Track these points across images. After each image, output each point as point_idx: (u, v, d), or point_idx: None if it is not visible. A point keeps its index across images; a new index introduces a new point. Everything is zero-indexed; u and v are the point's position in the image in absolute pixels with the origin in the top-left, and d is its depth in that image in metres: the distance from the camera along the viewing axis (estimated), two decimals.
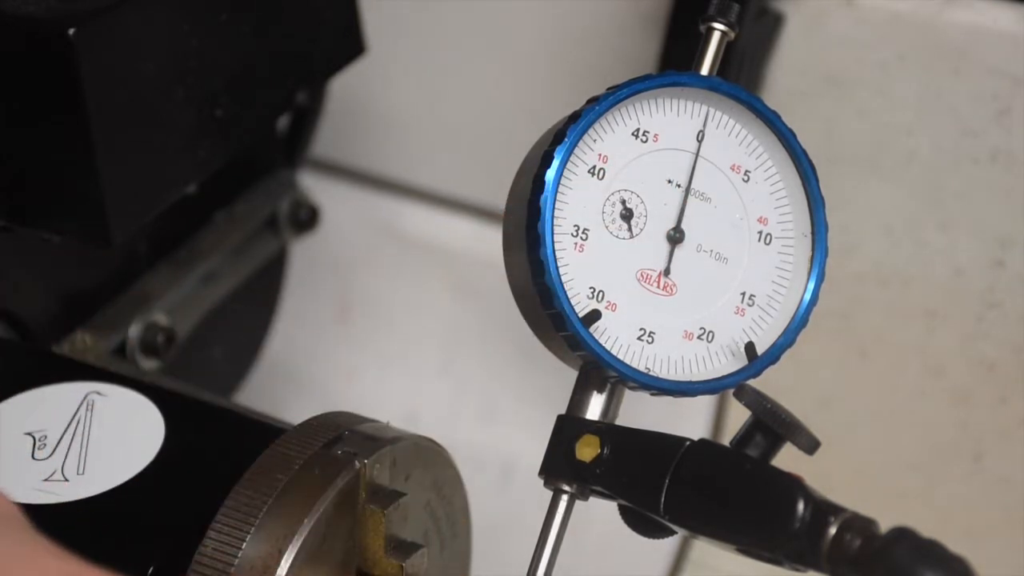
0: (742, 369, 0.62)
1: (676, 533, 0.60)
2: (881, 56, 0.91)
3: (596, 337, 0.60)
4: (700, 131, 0.63)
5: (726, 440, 0.59)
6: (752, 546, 0.57)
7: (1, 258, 0.80)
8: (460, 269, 1.07)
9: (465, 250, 1.07)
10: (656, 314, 0.62)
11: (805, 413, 0.59)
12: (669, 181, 0.62)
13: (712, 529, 0.58)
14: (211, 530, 0.63)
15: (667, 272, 0.62)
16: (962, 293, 0.93)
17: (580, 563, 0.94)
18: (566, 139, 0.60)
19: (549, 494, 0.62)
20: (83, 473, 0.68)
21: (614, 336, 0.61)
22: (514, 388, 1.05)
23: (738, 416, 0.74)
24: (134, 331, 0.86)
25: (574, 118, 0.61)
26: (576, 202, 0.61)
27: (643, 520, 0.61)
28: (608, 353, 0.60)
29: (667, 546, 0.99)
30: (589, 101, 0.61)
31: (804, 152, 0.63)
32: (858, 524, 0.54)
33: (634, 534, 0.61)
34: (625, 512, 0.61)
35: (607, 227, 0.62)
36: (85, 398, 0.71)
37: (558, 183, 0.60)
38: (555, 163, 0.60)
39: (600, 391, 0.63)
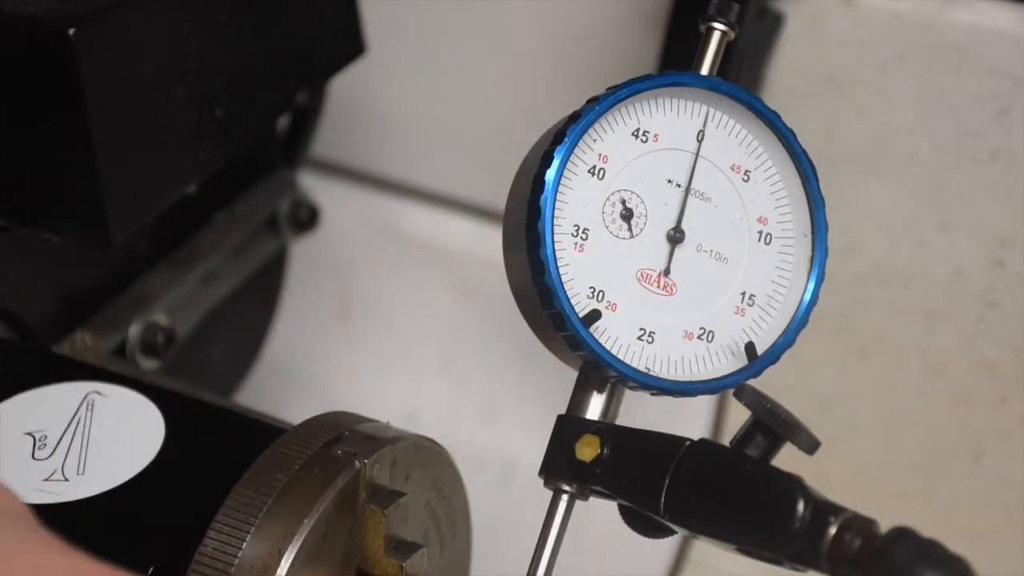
0: (742, 369, 0.62)
1: (676, 533, 0.60)
2: (881, 56, 0.91)
3: (596, 337, 0.60)
4: (700, 131, 0.63)
5: (726, 440, 0.59)
6: (752, 546, 0.57)
7: (1, 258, 0.80)
8: (460, 269, 1.07)
9: (465, 250, 1.07)
10: (656, 314, 0.62)
11: (805, 413, 0.59)
12: (669, 181, 0.62)
13: (712, 529, 0.58)
14: (211, 530, 0.63)
15: (667, 272, 0.62)
16: (962, 293, 0.93)
17: (580, 563, 0.94)
18: (566, 139, 0.60)
19: (549, 494, 0.62)
20: (83, 473, 0.68)
21: (614, 336, 0.61)
22: (514, 388, 1.05)
23: (738, 416, 0.74)
24: (134, 331, 0.86)
25: (574, 118, 0.61)
26: (576, 202, 0.61)
27: (643, 520, 0.61)
28: (608, 353, 0.60)
29: (667, 546, 0.99)
30: (589, 101, 0.61)
31: (804, 152, 0.63)
32: (858, 524, 0.54)
33: (634, 534, 0.61)
34: (625, 512, 0.61)
35: (607, 227, 0.61)
36: (85, 398, 0.71)
37: (558, 183, 0.60)
38: (555, 163, 0.60)
39: (600, 391, 0.63)
